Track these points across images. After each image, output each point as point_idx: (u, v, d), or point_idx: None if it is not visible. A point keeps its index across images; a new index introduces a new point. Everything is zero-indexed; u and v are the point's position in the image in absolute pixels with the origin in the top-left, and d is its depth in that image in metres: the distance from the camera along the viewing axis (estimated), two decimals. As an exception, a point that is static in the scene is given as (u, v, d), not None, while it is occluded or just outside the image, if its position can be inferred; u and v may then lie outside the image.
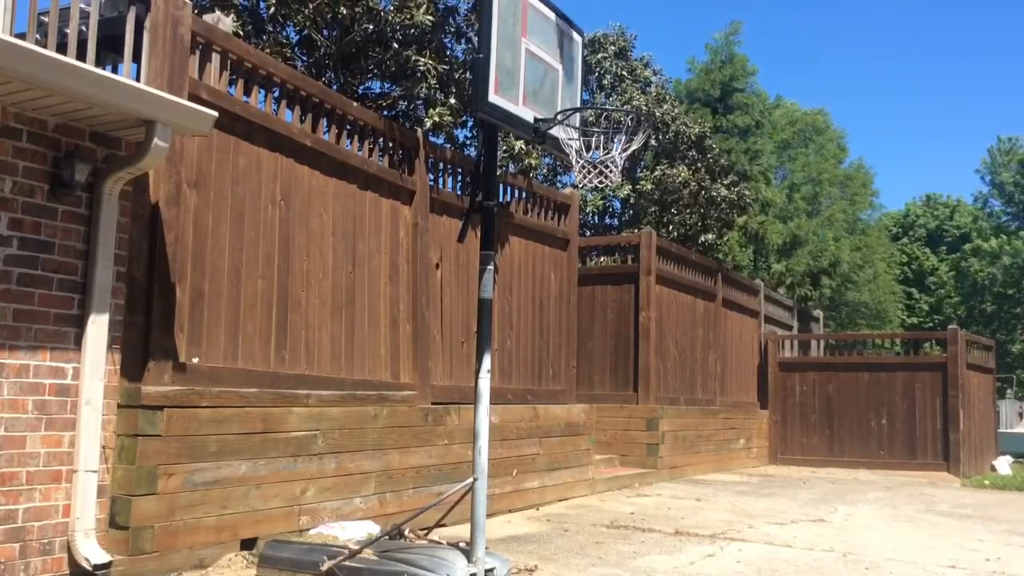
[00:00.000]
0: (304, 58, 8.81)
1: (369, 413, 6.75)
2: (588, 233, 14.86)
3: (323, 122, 6.75)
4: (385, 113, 8.54)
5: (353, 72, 8.90)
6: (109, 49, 5.36)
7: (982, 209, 43.85)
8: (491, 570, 4.84)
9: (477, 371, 4.99)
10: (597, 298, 12.41)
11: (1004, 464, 16.03)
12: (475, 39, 7.11)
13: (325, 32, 8.55)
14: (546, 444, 9.04)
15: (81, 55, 4.81)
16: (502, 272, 8.62)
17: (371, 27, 8.31)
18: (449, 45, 8.96)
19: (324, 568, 4.76)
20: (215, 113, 5.01)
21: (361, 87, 9.16)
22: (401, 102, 8.78)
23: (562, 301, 9.85)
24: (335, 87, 8.64)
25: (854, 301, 26.83)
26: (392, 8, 8.27)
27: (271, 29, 8.55)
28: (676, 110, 15.27)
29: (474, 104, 4.98)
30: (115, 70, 5.42)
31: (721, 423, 13.89)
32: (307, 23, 8.20)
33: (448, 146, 8.68)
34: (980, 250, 41.46)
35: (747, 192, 15.88)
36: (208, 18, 6.01)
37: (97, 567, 4.65)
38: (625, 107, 13.09)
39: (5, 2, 5.14)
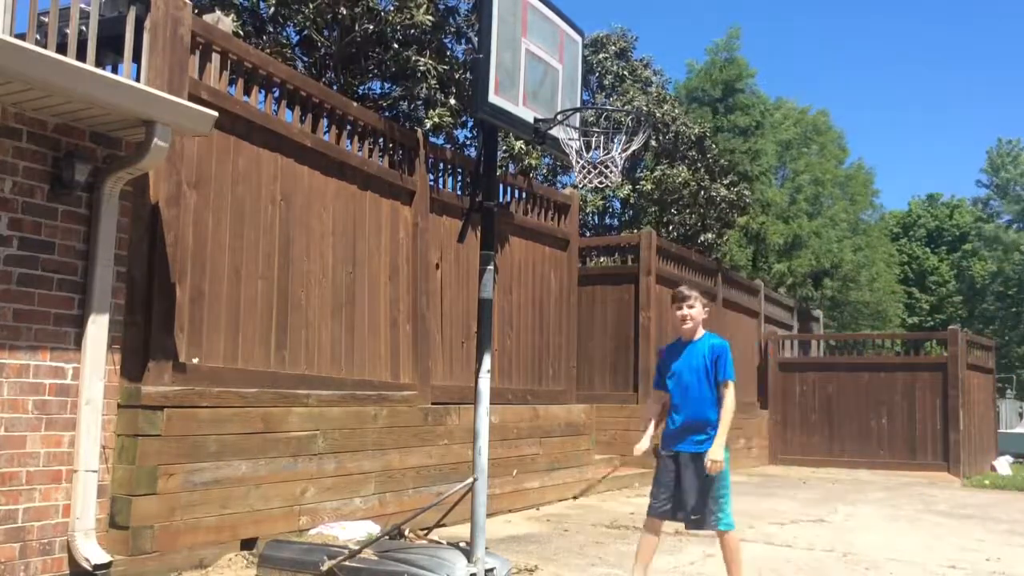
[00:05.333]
0: (304, 58, 8.81)
1: (369, 413, 6.75)
2: (588, 233, 14.85)
3: (323, 122, 6.75)
4: (385, 113, 8.55)
5: (353, 72, 8.90)
6: (109, 49, 5.35)
7: (983, 209, 43.68)
8: (491, 570, 4.83)
9: (477, 371, 4.98)
10: (597, 298, 12.40)
11: (1004, 464, 16.02)
12: (475, 39, 7.10)
13: (325, 32, 8.55)
14: (546, 444, 9.03)
15: (81, 55, 4.80)
16: (502, 272, 8.62)
17: (371, 27, 8.31)
18: (449, 45, 8.97)
19: (324, 568, 4.75)
20: (215, 113, 5.01)
21: (361, 87, 9.16)
22: (401, 102, 8.79)
23: (562, 301, 9.85)
24: (335, 87, 8.64)
25: (855, 301, 26.83)
26: (392, 8, 8.27)
27: (271, 29, 8.55)
28: (676, 110, 15.26)
29: (474, 104, 4.97)
30: (115, 70, 5.42)
31: (721, 423, 13.86)
32: (307, 23, 8.20)
33: (448, 146, 8.68)
34: (998, 240, 40.82)
35: (747, 192, 15.88)
36: (208, 18, 6.00)
37: (97, 567, 4.65)
38: (625, 107, 13.08)
39: (5, 2, 5.14)
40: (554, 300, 9.71)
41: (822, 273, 24.19)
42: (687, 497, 4.83)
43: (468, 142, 10.15)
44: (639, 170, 14.86)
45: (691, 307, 4.97)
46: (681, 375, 4.95)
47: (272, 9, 8.19)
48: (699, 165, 14.90)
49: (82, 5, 5.02)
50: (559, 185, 13.23)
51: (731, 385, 4.87)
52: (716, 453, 4.75)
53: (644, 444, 5.06)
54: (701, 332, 5.01)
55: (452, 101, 8.53)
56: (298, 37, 8.75)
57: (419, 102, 8.65)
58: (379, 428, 6.83)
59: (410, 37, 8.41)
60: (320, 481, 6.23)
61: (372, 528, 6.03)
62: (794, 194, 24.49)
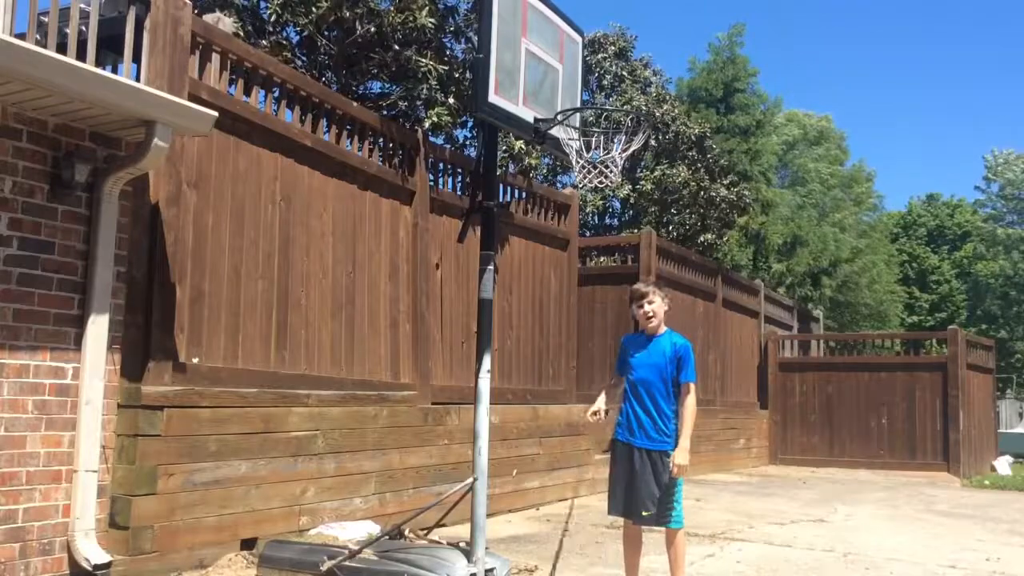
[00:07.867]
0: (304, 59, 8.81)
1: (369, 413, 6.75)
2: (588, 233, 14.85)
3: (323, 122, 6.75)
4: (385, 113, 8.54)
5: (353, 73, 8.90)
6: (109, 49, 5.36)
7: (992, 211, 43.51)
8: (491, 570, 4.83)
9: (477, 371, 4.98)
10: (597, 298, 12.40)
11: (1004, 464, 16.02)
12: (475, 39, 7.10)
13: (326, 33, 8.55)
14: (546, 444, 9.03)
15: (81, 55, 4.81)
16: (502, 272, 8.62)
17: (372, 28, 8.31)
18: (449, 45, 8.96)
19: (324, 568, 4.75)
20: (215, 113, 5.01)
21: (361, 87, 9.15)
22: (401, 102, 8.78)
23: (562, 301, 9.85)
24: (335, 87, 8.64)
25: (855, 302, 26.81)
26: (393, 9, 8.27)
27: (272, 30, 8.55)
28: (676, 110, 15.26)
29: (474, 104, 4.97)
30: (115, 70, 5.42)
31: (721, 423, 13.87)
32: (308, 25, 8.20)
33: (448, 146, 8.68)
34: (1000, 240, 40.67)
35: (747, 192, 15.87)
36: (208, 18, 6.01)
37: (97, 567, 4.65)
38: (625, 107, 13.09)
39: (5, 2, 5.14)
40: (554, 300, 9.71)
41: (820, 272, 24.18)
42: (641, 493, 4.78)
43: (468, 142, 10.15)
44: (639, 170, 14.85)
45: (651, 303, 4.93)
46: (639, 368, 4.92)
47: (274, 16, 8.18)
48: (699, 165, 14.90)
49: (82, 5, 5.02)
50: (559, 185, 13.24)
51: (692, 388, 4.87)
52: (682, 458, 4.75)
53: (598, 404, 5.06)
54: (663, 328, 4.98)
55: (452, 101, 8.52)
56: (298, 38, 8.75)
57: (419, 102, 8.64)
58: (379, 428, 6.83)
59: (410, 37, 8.41)
60: (320, 481, 6.23)
61: (372, 528, 6.03)
62: (796, 194, 24.49)
